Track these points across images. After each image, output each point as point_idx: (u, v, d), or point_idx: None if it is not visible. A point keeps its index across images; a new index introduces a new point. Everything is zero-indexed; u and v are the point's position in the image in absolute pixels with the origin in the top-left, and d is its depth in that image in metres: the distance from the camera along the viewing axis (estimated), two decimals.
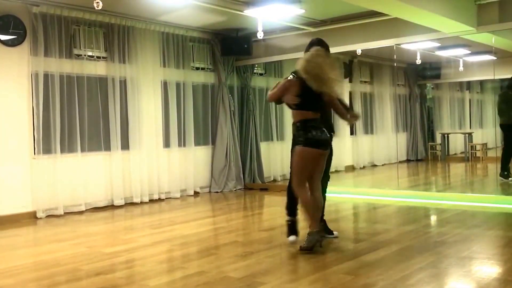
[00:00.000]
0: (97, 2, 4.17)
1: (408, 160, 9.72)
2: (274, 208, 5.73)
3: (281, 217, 4.89)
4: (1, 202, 4.88)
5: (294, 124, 3.42)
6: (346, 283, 2.73)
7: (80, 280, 2.95)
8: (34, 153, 5.17)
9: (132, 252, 3.61)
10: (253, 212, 5.73)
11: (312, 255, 3.25)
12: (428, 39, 5.92)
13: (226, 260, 3.26)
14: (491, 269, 2.95)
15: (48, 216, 5.17)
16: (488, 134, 9.75)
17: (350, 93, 8.85)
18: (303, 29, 6.22)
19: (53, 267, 3.24)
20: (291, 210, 3.54)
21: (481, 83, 10.04)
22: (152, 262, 3.33)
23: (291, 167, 3.46)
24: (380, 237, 3.82)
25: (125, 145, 5.93)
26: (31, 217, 5.09)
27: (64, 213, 5.27)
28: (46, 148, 5.22)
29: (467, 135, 9.60)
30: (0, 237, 4.38)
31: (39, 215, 5.11)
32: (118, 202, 5.76)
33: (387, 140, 9.23)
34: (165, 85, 6.37)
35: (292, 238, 3.49)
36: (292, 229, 3.53)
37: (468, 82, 10.04)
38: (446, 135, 9.86)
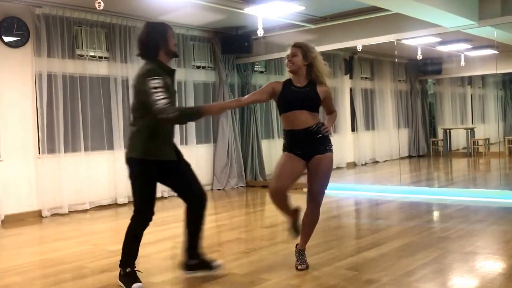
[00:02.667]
0: (99, 3, 4.20)
1: (410, 156, 9.71)
2: None
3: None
4: (7, 201, 4.92)
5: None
6: (349, 279, 2.74)
7: (85, 278, 2.99)
8: (39, 153, 5.21)
9: None
10: (255, 209, 5.75)
11: (314, 252, 3.27)
12: (429, 34, 5.91)
13: (229, 257, 3.28)
14: (495, 264, 2.94)
15: (53, 215, 5.22)
16: (491, 129, 9.74)
17: (351, 90, 8.85)
18: (303, 26, 6.22)
19: (58, 265, 3.27)
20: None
21: (483, 77, 10.01)
22: (156, 259, 3.36)
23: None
24: (382, 233, 3.83)
25: None
26: (37, 216, 5.13)
27: (69, 211, 5.32)
28: (50, 147, 5.26)
29: (469, 130, 9.59)
30: (7, 235, 4.43)
31: (44, 214, 5.16)
32: (121, 200, 5.80)
33: (388, 136, 9.23)
34: None
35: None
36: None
37: (470, 77, 10.00)
38: (448, 131, 9.85)
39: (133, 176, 2.67)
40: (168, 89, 2.57)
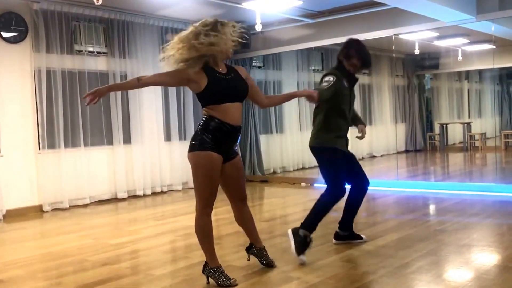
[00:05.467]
0: None
1: (406, 151, 9.76)
2: (274, 199, 5.80)
3: (281, 208, 4.97)
4: (9, 196, 4.96)
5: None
6: (347, 271, 2.79)
7: (87, 271, 3.03)
8: (39, 148, 5.24)
9: (137, 243, 3.68)
10: (253, 203, 5.80)
11: (313, 245, 3.31)
12: (427, 28, 5.93)
13: (229, 250, 3.33)
14: (490, 256, 2.99)
15: (54, 210, 5.26)
16: (487, 124, 9.80)
17: None
18: (301, 20, 6.23)
19: (60, 259, 3.31)
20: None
21: (480, 72, 10.05)
22: (156, 252, 3.41)
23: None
24: (379, 226, 3.88)
25: (127, 139, 5.99)
26: (38, 211, 5.17)
27: (69, 206, 5.36)
28: (51, 143, 5.28)
29: (465, 125, 9.64)
30: (9, 230, 4.47)
31: (45, 208, 5.20)
32: (121, 195, 5.84)
33: (385, 131, 9.27)
34: None
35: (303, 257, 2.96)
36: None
37: (467, 72, 10.04)
38: (444, 125, 9.90)
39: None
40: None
